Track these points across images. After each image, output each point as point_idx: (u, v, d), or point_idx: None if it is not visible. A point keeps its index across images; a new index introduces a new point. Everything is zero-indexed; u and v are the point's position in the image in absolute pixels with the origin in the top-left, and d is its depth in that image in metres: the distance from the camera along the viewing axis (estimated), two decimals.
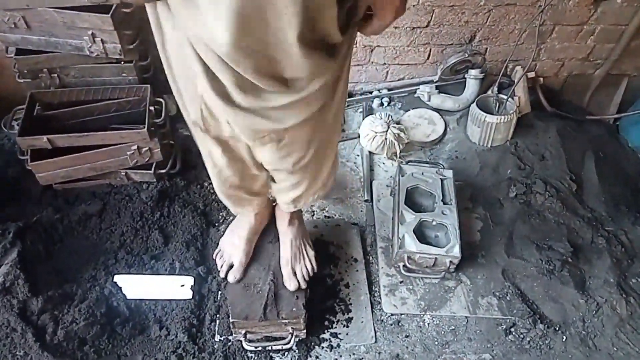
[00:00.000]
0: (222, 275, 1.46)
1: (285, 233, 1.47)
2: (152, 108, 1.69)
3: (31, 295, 1.42)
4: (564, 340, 1.51)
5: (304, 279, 1.43)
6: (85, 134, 1.60)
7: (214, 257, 1.52)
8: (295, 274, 1.42)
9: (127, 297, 1.51)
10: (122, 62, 1.70)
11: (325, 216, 1.81)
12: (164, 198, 1.74)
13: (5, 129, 1.73)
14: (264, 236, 1.52)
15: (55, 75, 1.71)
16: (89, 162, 1.65)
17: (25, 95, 1.67)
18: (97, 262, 1.59)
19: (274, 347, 1.44)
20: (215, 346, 1.46)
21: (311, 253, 1.49)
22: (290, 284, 1.41)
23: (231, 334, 1.45)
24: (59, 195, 1.73)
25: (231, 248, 1.47)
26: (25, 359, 1.35)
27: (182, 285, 1.55)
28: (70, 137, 1.60)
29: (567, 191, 1.86)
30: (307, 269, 1.45)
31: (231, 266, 1.45)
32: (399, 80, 2.22)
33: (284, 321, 1.40)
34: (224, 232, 1.55)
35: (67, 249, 1.60)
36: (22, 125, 1.60)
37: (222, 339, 1.47)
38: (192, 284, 1.55)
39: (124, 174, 1.73)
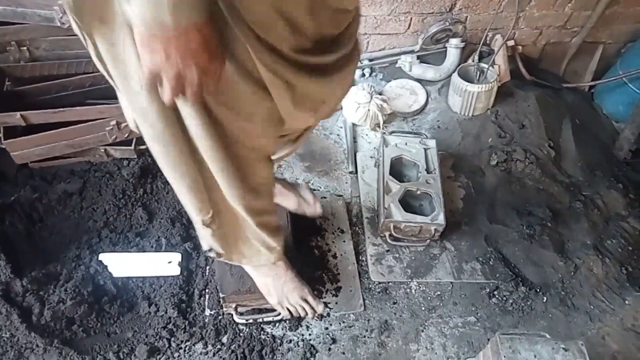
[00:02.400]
0: (311, 315, 1.46)
1: (286, 193, 1.53)
2: None
3: (14, 276, 1.39)
4: (544, 301, 1.57)
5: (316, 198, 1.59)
6: (62, 109, 1.55)
7: (286, 309, 1.43)
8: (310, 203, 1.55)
9: (114, 275, 1.49)
10: None
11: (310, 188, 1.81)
12: (146, 174, 1.71)
13: None
14: None
15: (25, 48, 1.63)
16: (66, 139, 1.60)
17: None
18: (80, 241, 1.56)
19: (265, 319, 1.45)
20: (206, 320, 1.46)
21: (302, 185, 1.61)
22: (317, 208, 1.57)
23: (221, 308, 1.45)
24: (36, 174, 1.68)
25: (289, 292, 1.40)
26: (12, 340, 1.33)
27: (170, 262, 1.53)
28: (46, 113, 1.54)
29: (545, 158, 1.91)
30: (311, 193, 1.58)
31: (305, 300, 1.43)
32: (380, 50, 2.20)
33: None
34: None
35: (48, 229, 1.56)
36: None
37: (212, 313, 1.47)
38: (180, 260, 1.54)
39: (103, 150, 1.69)
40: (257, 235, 1.16)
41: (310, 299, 1.45)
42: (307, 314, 1.45)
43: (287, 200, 1.55)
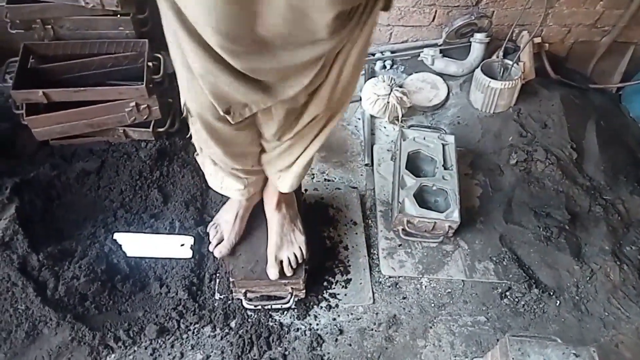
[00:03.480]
0: (211, 248, 1.44)
1: (272, 217, 1.42)
2: (150, 64, 1.65)
3: (31, 251, 1.41)
4: (557, 304, 1.54)
5: (290, 266, 1.38)
6: (82, 88, 1.56)
7: (207, 228, 1.50)
8: (281, 262, 1.38)
9: (127, 255, 1.51)
10: (119, 15, 1.64)
11: (325, 179, 1.80)
12: (163, 157, 1.72)
13: None
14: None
15: (49, 26, 1.64)
16: (86, 118, 1.62)
17: (18, 47, 1.61)
18: (96, 219, 1.58)
19: (273, 306, 1.46)
20: (216, 304, 1.47)
21: (300, 239, 1.42)
22: (270, 272, 1.37)
23: (231, 293, 1.46)
24: (55, 152, 1.70)
25: (225, 224, 1.45)
26: (27, 312, 1.36)
27: (182, 245, 1.55)
28: (67, 91, 1.55)
29: (567, 159, 1.86)
30: (295, 256, 1.39)
31: (221, 240, 1.44)
32: (402, 42, 2.17)
33: (283, 281, 1.41)
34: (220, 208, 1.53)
35: (65, 206, 1.59)
36: (16, 78, 1.56)
37: (222, 297, 1.48)
38: (192, 243, 1.55)
39: (121, 131, 1.70)
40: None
41: (225, 238, 1.43)
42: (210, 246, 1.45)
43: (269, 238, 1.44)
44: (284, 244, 1.40)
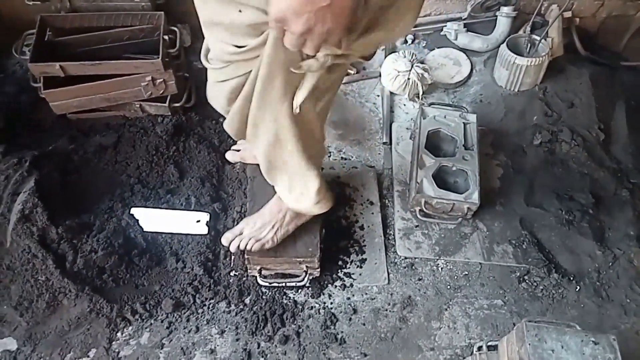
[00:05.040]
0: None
1: (273, 200, 1.36)
2: (166, 37, 1.62)
3: (50, 224, 1.43)
4: (577, 290, 1.51)
5: (236, 244, 1.36)
6: (98, 62, 1.55)
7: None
8: (240, 234, 1.36)
9: (144, 230, 1.53)
10: None
11: (342, 158, 1.77)
12: (179, 132, 1.71)
13: (16, 54, 1.67)
14: None
15: None
16: (102, 92, 1.61)
17: (35, 19, 1.60)
18: (113, 194, 1.59)
19: (288, 284, 1.46)
20: (231, 280, 1.48)
21: (267, 240, 1.35)
22: (226, 235, 1.38)
23: (246, 270, 1.47)
24: (73, 126, 1.71)
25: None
26: (47, 284, 1.39)
27: (198, 221, 1.55)
28: (83, 65, 1.54)
29: (594, 141, 1.80)
30: (245, 245, 1.35)
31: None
32: (425, 16, 2.09)
33: (298, 259, 1.41)
34: None
35: (83, 180, 1.60)
36: (33, 51, 1.55)
37: (237, 274, 1.49)
38: (208, 220, 1.56)
39: (138, 106, 1.69)
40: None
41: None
42: None
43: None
44: (256, 230, 1.36)
